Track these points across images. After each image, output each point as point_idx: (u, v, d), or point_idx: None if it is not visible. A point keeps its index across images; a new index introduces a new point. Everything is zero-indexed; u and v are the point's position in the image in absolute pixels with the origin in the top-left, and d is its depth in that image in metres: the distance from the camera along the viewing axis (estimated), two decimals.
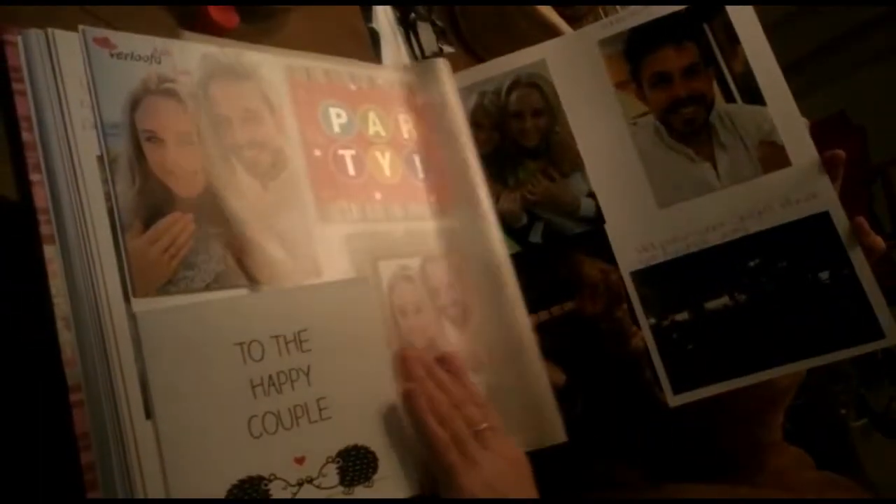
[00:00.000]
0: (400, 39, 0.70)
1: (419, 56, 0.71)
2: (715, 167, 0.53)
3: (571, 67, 0.56)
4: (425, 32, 0.73)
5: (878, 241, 0.49)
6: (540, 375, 0.51)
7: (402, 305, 0.48)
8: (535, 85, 0.57)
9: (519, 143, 0.57)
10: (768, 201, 0.51)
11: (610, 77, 0.55)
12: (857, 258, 0.49)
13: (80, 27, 0.39)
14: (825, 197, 0.50)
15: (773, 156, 0.52)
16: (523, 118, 0.57)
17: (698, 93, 0.54)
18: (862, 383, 1.85)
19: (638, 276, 0.53)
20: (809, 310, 0.50)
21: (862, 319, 0.48)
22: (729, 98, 0.54)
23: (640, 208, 0.54)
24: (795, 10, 2.03)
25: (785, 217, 0.51)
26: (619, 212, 0.54)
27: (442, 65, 0.56)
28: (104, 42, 0.39)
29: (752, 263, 0.51)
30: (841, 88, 2.05)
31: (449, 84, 0.55)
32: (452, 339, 0.50)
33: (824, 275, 0.50)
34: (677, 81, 0.54)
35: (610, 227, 0.54)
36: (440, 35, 0.75)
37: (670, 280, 0.52)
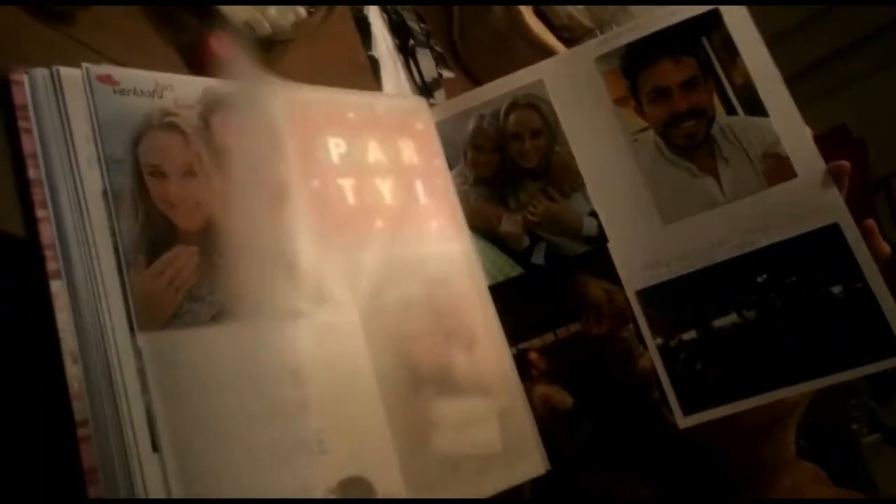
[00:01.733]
0: (400, 66, 0.71)
1: (419, 82, 0.72)
2: (718, 181, 0.52)
3: (569, 86, 0.56)
4: (424, 58, 0.74)
5: (885, 247, 0.48)
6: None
7: (408, 331, 0.48)
8: (533, 106, 0.56)
9: (519, 164, 0.56)
10: (774, 215, 0.50)
11: (608, 94, 0.55)
12: (870, 270, 0.47)
13: (84, 65, 0.39)
14: (834, 208, 0.48)
15: (777, 168, 0.51)
16: (522, 139, 0.56)
17: (698, 106, 0.53)
18: (873, 398, 1.83)
19: (643, 295, 0.52)
20: (821, 326, 0.48)
21: (877, 335, 0.47)
22: (730, 111, 0.53)
23: (644, 226, 0.52)
24: (794, 23, 2.05)
25: (793, 230, 0.49)
26: (622, 230, 0.53)
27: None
28: (107, 79, 0.40)
29: (759, 279, 0.50)
30: (840, 101, 2.06)
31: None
32: (462, 363, 0.50)
33: (836, 289, 0.48)
34: (676, 95, 0.54)
35: (613, 246, 0.53)
36: (439, 61, 0.76)
37: (677, 298, 0.51)
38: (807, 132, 0.51)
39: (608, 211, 0.54)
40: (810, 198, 0.49)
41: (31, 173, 0.37)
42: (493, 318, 0.54)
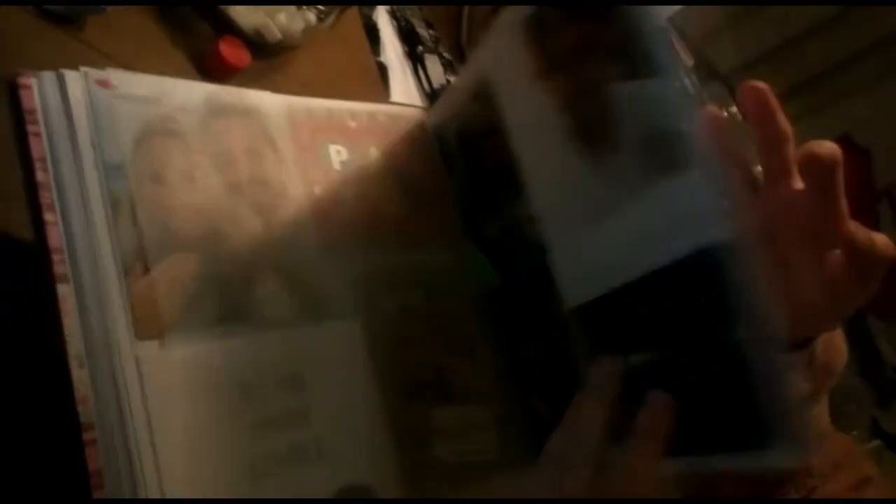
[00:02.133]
0: (408, 72, 0.71)
1: (427, 88, 0.72)
2: (612, 177, 0.38)
3: (504, 65, 0.44)
4: (433, 65, 0.74)
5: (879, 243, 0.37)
6: None
7: (407, 338, 0.48)
8: (487, 97, 0.47)
9: (485, 165, 0.51)
10: (655, 227, 0.35)
11: (532, 68, 0.42)
12: (751, 321, 0.30)
13: (82, 68, 0.39)
14: (715, 220, 0.31)
15: (662, 154, 0.33)
16: (483, 138, 0.50)
17: (593, 75, 0.38)
18: (874, 404, 1.83)
19: (578, 313, 0.42)
20: (685, 390, 0.35)
21: (741, 416, 0.32)
22: (629, 73, 0.35)
23: (573, 230, 0.42)
24: (799, 32, 2.04)
25: (666, 254, 0.34)
26: (557, 235, 0.43)
27: None
28: (105, 83, 0.40)
29: (642, 313, 0.37)
30: (845, 111, 2.05)
31: None
32: (461, 372, 0.50)
33: (704, 342, 0.34)
34: (572, 65, 0.39)
35: (550, 255, 0.44)
36: (448, 67, 0.76)
37: (602, 323, 0.41)
38: (697, 92, 0.37)
39: (545, 213, 0.44)
40: (692, 202, 0.32)
41: (40, 176, 0.37)
42: (489, 325, 0.54)
